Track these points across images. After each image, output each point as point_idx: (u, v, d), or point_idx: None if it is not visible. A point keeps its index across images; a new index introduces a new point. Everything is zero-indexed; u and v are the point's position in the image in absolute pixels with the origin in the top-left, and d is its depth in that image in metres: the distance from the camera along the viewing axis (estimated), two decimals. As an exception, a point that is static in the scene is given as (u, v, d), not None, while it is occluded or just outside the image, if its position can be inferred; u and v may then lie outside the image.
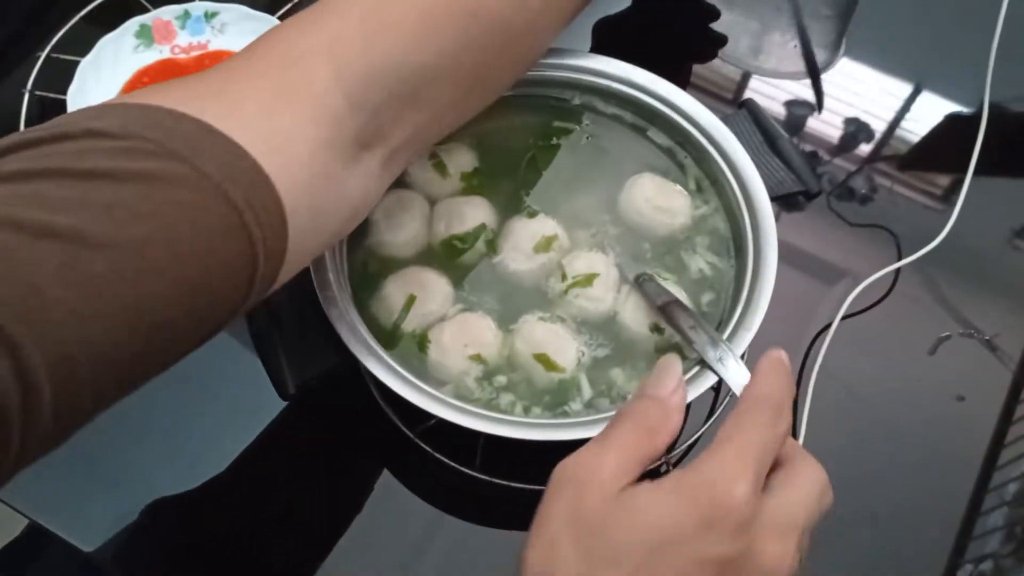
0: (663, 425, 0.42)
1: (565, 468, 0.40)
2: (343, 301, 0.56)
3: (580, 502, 0.39)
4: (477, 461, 0.61)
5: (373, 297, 0.60)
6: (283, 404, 0.63)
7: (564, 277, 0.60)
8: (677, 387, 0.44)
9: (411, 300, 0.59)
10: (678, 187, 0.64)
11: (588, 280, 0.60)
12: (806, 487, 0.41)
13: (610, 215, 0.64)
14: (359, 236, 0.62)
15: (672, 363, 0.45)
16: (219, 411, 0.65)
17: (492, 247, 0.62)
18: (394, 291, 0.59)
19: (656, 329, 0.58)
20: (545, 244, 0.61)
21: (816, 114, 0.85)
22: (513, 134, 0.67)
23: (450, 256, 0.61)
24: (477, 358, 0.57)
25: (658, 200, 0.63)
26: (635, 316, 0.59)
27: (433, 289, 0.60)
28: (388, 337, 0.58)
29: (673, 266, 0.62)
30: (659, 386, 0.44)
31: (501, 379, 0.58)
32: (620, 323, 0.59)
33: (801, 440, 0.66)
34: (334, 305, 0.56)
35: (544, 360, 0.57)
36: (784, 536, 0.39)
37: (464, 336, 0.58)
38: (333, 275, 0.57)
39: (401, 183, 0.64)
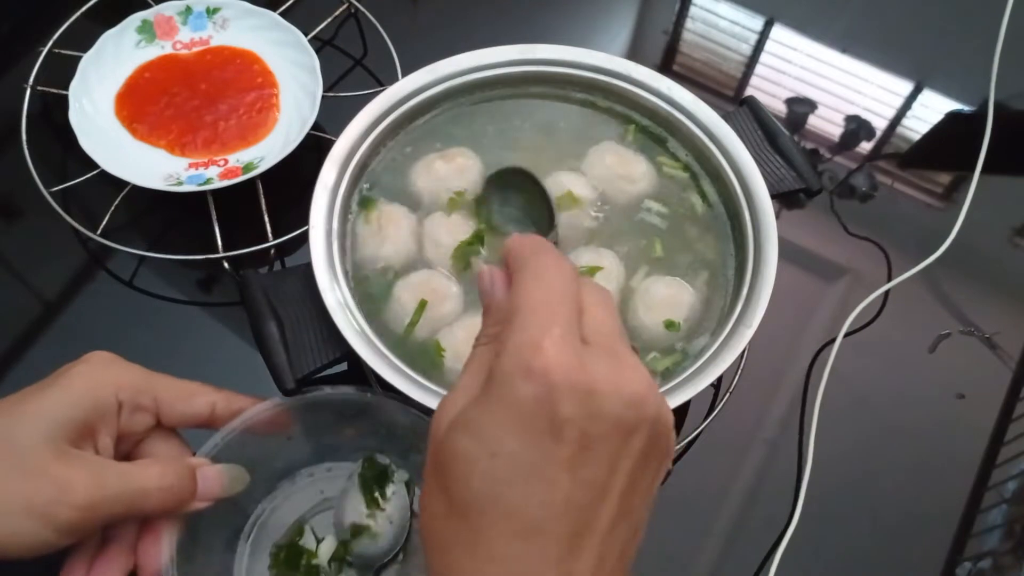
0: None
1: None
2: (349, 303, 0.57)
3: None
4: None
5: (384, 302, 0.60)
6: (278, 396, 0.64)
7: None
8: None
9: (423, 304, 0.59)
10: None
11: (590, 272, 0.60)
12: (599, 303, 0.37)
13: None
14: (353, 250, 0.62)
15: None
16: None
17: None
18: (404, 295, 0.59)
19: (670, 325, 0.59)
20: (569, 200, 0.62)
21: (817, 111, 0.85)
22: (519, 141, 0.67)
23: (463, 262, 0.61)
24: None
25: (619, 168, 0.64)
26: (647, 314, 0.60)
27: (444, 293, 0.60)
28: (400, 341, 0.58)
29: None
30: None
31: None
32: (631, 318, 0.60)
33: (811, 439, 0.66)
34: (340, 309, 0.56)
35: None
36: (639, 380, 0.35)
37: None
38: (340, 276, 0.57)
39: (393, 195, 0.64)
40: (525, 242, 0.39)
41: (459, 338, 0.58)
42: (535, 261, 0.37)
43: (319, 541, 0.59)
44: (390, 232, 0.61)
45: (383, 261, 0.61)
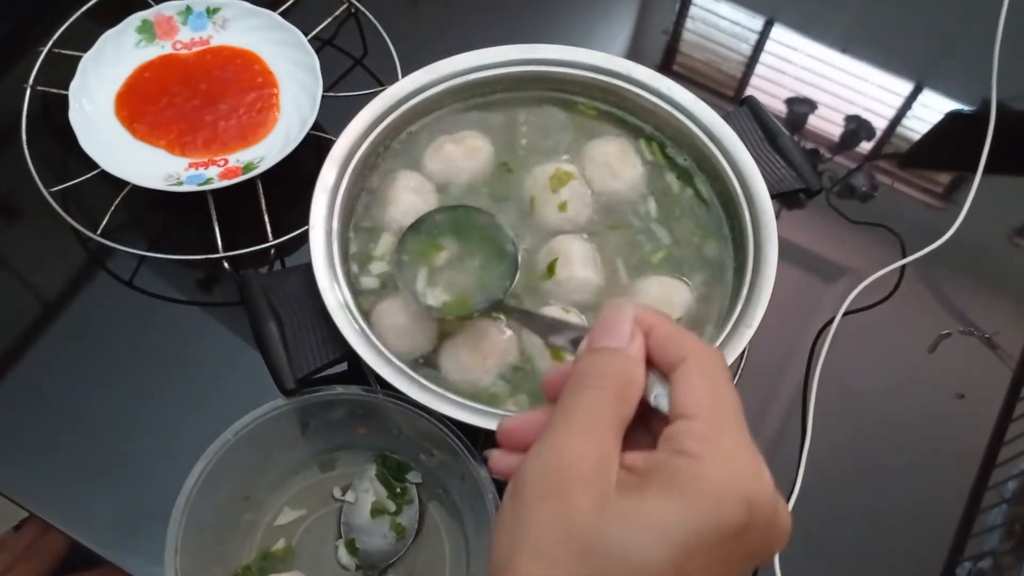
0: (630, 382, 0.35)
1: (534, 471, 0.33)
2: (348, 303, 0.57)
3: (572, 512, 0.31)
4: (479, 456, 0.61)
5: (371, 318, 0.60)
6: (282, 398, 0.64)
7: (550, 268, 0.60)
8: (633, 333, 0.36)
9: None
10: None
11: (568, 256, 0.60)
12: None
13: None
14: (371, 209, 0.63)
15: (620, 308, 0.37)
16: (219, 405, 0.65)
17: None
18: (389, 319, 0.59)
19: None
20: (562, 177, 0.62)
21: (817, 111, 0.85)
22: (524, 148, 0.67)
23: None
24: (503, 377, 0.58)
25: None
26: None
27: (426, 323, 0.59)
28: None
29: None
30: (611, 335, 0.36)
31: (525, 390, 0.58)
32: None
33: (807, 438, 0.66)
34: (340, 309, 0.56)
35: (549, 349, 0.58)
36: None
37: (480, 350, 0.58)
38: (340, 276, 0.58)
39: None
40: (673, 333, 0.36)
41: (461, 351, 0.58)
42: (696, 355, 0.36)
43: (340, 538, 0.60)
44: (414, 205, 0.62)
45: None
